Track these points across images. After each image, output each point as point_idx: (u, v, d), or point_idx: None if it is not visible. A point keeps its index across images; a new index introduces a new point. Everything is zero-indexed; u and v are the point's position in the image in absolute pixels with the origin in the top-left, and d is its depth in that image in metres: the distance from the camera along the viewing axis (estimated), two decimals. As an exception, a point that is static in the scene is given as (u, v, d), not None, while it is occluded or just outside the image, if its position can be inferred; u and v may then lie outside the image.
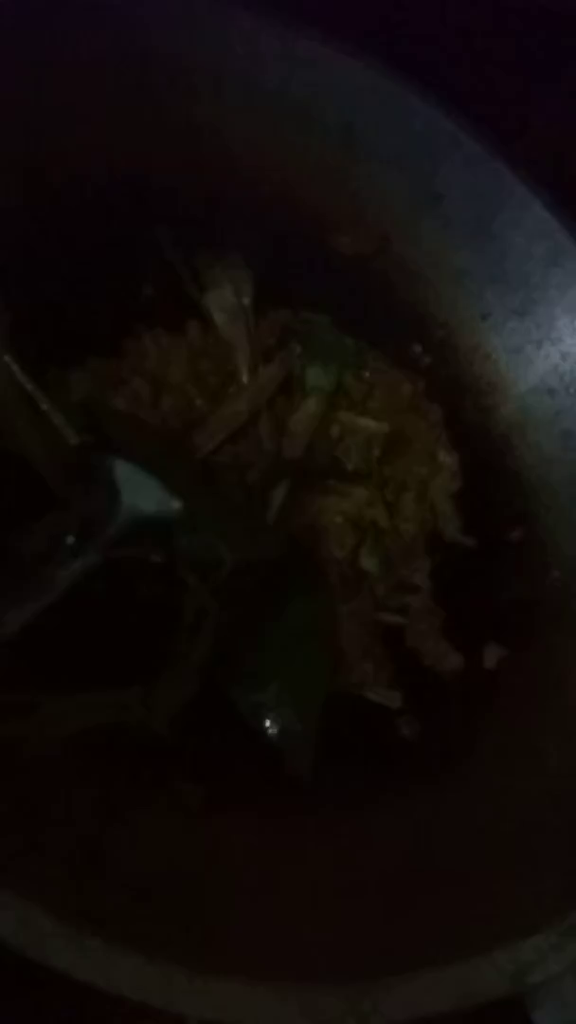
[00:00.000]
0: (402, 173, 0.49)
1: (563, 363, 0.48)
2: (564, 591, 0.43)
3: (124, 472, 0.32)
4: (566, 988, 0.44)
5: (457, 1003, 0.25)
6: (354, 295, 0.49)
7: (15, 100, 0.40)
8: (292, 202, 0.48)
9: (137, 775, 0.30)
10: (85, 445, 0.33)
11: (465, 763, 0.37)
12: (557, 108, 0.57)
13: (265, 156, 0.48)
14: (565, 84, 0.57)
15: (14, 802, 0.27)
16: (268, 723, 0.35)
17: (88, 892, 0.24)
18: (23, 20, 0.40)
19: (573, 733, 0.37)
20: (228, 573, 0.35)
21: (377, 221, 0.50)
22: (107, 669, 0.32)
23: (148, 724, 0.31)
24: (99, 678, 0.32)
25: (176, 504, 0.32)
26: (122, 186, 0.45)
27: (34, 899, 0.22)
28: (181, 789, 0.31)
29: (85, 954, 0.22)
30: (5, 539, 0.32)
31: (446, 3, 0.55)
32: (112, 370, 0.42)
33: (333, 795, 0.34)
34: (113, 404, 0.41)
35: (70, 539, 0.30)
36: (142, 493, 0.32)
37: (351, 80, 0.46)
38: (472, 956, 0.26)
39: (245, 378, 0.45)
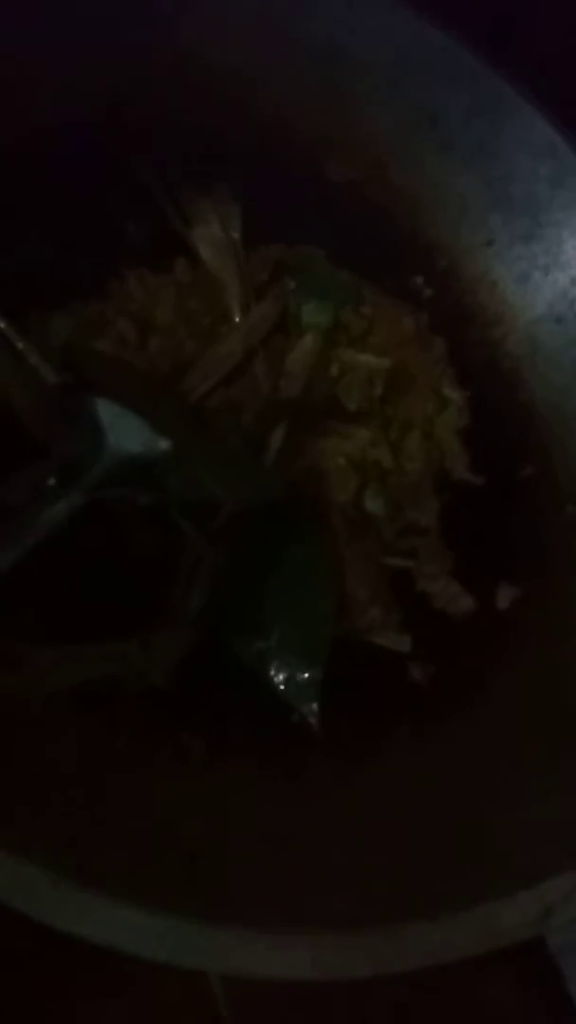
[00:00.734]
0: (397, 94, 0.46)
1: (572, 289, 0.46)
2: (579, 526, 0.42)
3: (108, 412, 0.30)
4: None
5: (478, 947, 0.24)
6: (350, 225, 0.47)
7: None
8: (280, 129, 0.46)
9: (137, 727, 0.29)
10: (65, 385, 0.32)
11: (479, 704, 0.36)
12: (559, 20, 0.53)
13: (249, 80, 0.45)
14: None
15: (6, 757, 0.25)
16: (273, 671, 0.34)
17: (86, 847, 0.23)
18: None
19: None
20: (225, 518, 0.33)
21: (372, 146, 0.47)
22: (103, 620, 0.31)
23: (147, 676, 0.30)
24: (95, 630, 0.30)
25: (164, 444, 0.30)
26: (100, 119, 0.42)
27: (29, 856, 0.21)
28: (183, 740, 0.30)
29: (86, 910, 0.21)
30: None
31: None
32: (96, 313, 0.40)
33: (343, 742, 0.33)
34: (98, 348, 0.39)
35: (52, 481, 0.28)
36: (127, 433, 0.30)
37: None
38: (494, 898, 0.25)
39: (237, 317, 0.43)
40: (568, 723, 0.34)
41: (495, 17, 0.52)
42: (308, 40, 0.45)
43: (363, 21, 0.44)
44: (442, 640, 0.38)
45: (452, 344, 0.47)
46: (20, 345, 0.32)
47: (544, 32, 0.54)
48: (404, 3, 0.44)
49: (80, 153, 0.41)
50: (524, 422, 0.45)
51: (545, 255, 0.46)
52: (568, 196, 0.45)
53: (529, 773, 0.32)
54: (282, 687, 0.34)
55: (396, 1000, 0.37)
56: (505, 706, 0.36)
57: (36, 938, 0.32)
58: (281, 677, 0.34)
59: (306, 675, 0.34)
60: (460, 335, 0.47)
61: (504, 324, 0.47)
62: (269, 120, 0.46)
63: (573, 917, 0.26)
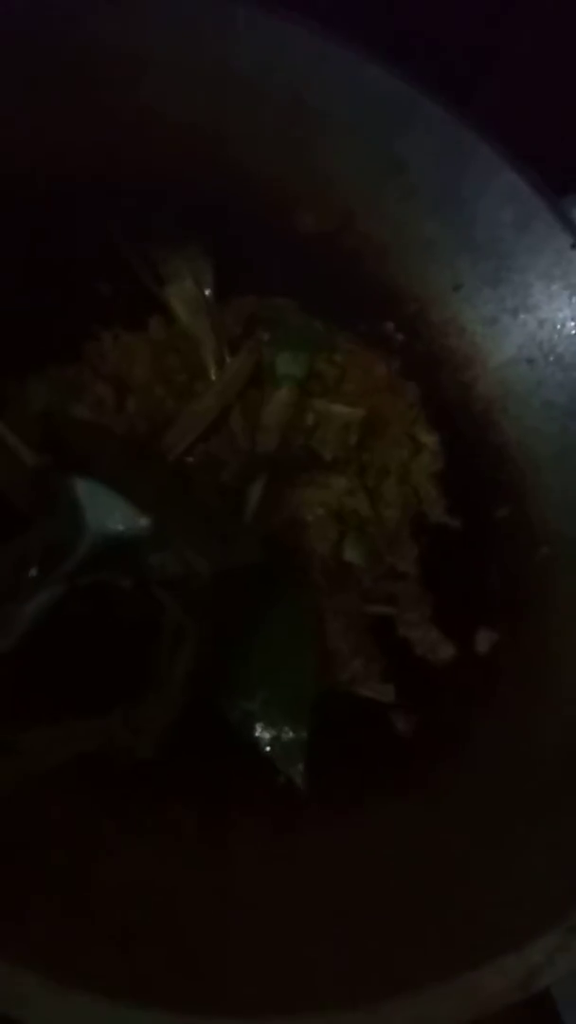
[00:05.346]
0: (361, 143, 0.47)
1: (540, 331, 0.46)
2: (553, 567, 0.42)
3: (87, 491, 0.30)
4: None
5: (466, 1014, 0.25)
6: (320, 275, 0.47)
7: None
8: (247, 182, 0.46)
9: (123, 806, 0.29)
10: (43, 465, 0.32)
11: (462, 755, 0.37)
12: (517, 63, 0.54)
13: (213, 136, 0.45)
14: (525, 37, 0.54)
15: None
16: (258, 732, 0.34)
17: (73, 942, 0.23)
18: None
19: (571, 715, 0.37)
20: (206, 584, 0.34)
21: (339, 196, 0.48)
22: (86, 696, 0.31)
23: (133, 750, 0.30)
24: (78, 706, 0.31)
25: (144, 521, 0.31)
26: (68, 181, 0.42)
27: (13, 955, 0.21)
28: (172, 814, 0.31)
29: (73, 1010, 0.21)
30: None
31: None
32: (73, 375, 0.41)
33: (330, 800, 0.34)
34: (75, 413, 0.39)
35: (33, 571, 0.28)
36: (107, 512, 0.30)
37: (297, 48, 0.44)
38: (479, 964, 0.26)
39: (213, 372, 0.44)
40: (549, 770, 0.35)
41: (456, 62, 0.53)
42: (269, 93, 0.45)
43: (323, 73, 0.45)
44: (425, 688, 0.39)
45: (424, 388, 0.48)
46: (-2, 427, 0.32)
47: (506, 77, 0.55)
48: (364, 55, 0.45)
49: (49, 217, 0.41)
50: (497, 464, 0.46)
51: (513, 298, 0.47)
52: (533, 239, 0.46)
53: (513, 824, 0.32)
54: (268, 748, 0.34)
55: None
56: (488, 755, 0.37)
57: None
58: (267, 738, 0.34)
59: (291, 735, 0.35)
60: (432, 379, 0.48)
61: (475, 367, 0.48)
62: (235, 174, 0.46)
63: (558, 977, 0.26)
